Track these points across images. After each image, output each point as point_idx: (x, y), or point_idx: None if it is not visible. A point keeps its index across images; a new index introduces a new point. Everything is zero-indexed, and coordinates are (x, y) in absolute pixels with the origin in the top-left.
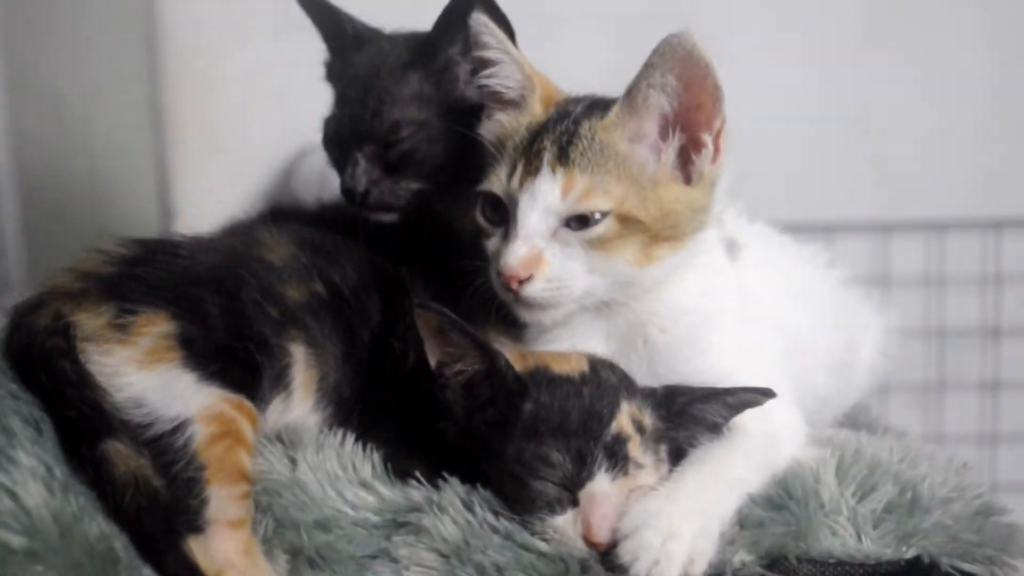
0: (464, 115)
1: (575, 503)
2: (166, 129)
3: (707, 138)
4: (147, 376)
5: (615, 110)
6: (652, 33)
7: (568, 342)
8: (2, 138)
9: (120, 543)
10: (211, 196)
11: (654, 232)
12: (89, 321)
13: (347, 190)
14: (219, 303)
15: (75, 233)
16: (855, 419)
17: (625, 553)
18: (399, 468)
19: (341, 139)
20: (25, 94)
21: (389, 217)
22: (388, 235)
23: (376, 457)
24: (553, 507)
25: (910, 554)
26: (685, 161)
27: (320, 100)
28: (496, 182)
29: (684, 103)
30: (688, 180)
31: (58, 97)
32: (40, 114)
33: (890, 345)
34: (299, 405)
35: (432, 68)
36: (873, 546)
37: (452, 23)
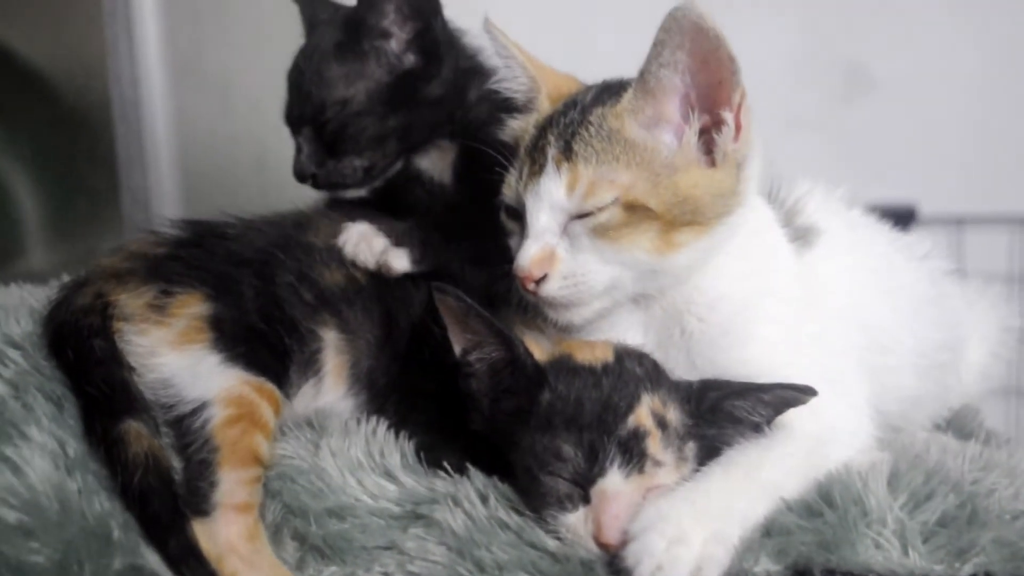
0: (408, 81)
1: (587, 500)
2: None
3: (727, 115)
4: (177, 357)
5: (628, 95)
6: None
7: (608, 333)
8: (167, 126)
9: (119, 524)
10: None
11: (670, 219)
12: (130, 301)
13: (297, 174)
14: (255, 285)
15: None
16: (961, 423)
17: (629, 556)
18: (432, 458)
19: (290, 124)
20: (192, 83)
21: (353, 193)
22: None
23: (408, 446)
24: (564, 504)
25: (965, 571)
26: (710, 143)
27: None
28: (507, 190)
29: (700, 80)
30: (714, 162)
31: (226, 85)
32: (207, 102)
33: (1004, 346)
34: (330, 390)
35: (359, 44)
36: (921, 561)
37: None
